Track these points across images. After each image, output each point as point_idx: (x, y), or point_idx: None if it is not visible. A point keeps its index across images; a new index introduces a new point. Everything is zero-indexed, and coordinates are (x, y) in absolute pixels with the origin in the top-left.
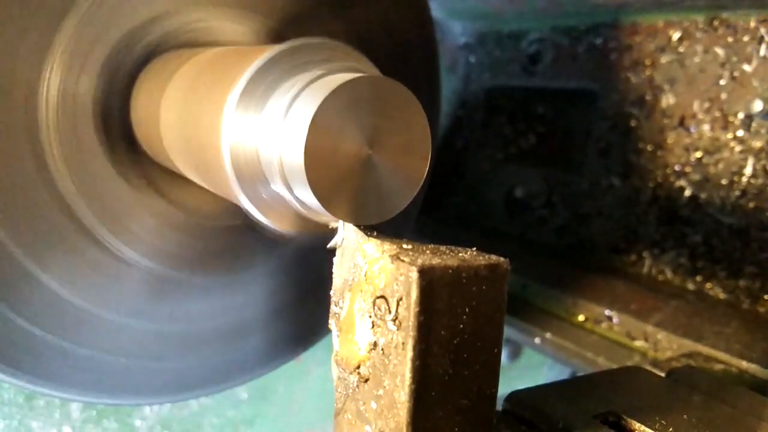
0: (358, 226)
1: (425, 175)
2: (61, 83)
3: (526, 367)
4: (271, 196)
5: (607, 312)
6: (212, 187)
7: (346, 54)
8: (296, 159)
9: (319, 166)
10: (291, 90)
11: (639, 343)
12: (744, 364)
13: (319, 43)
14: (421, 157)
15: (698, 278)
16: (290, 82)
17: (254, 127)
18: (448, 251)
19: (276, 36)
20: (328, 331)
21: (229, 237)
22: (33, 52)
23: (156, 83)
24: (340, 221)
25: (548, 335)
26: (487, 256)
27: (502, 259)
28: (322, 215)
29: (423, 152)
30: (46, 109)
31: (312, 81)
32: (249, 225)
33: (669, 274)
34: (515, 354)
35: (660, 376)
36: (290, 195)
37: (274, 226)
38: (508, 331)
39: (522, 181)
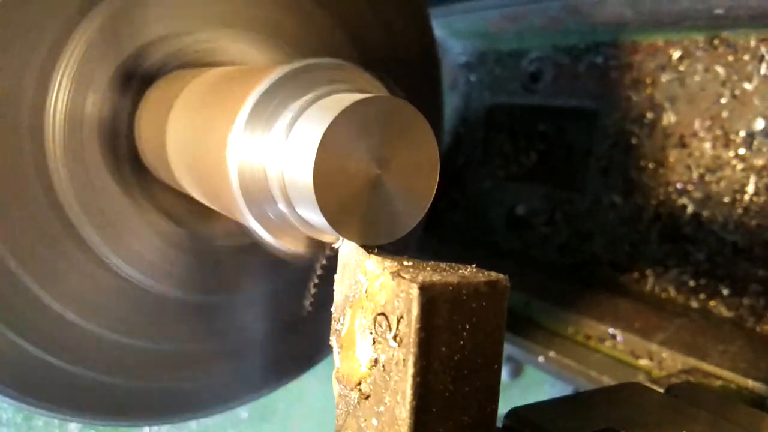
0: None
1: (434, 195)
2: (67, 101)
3: (528, 385)
4: (278, 217)
5: (611, 330)
6: (218, 207)
7: (354, 74)
8: (305, 179)
9: (328, 186)
10: (299, 109)
11: (643, 362)
12: (750, 383)
13: (328, 63)
14: (429, 176)
15: (702, 296)
16: (299, 101)
17: (262, 147)
18: (448, 268)
19: (284, 57)
20: (330, 350)
21: (233, 257)
22: (40, 69)
23: (162, 102)
24: (341, 238)
25: (552, 353)
26: (487, 273)
27: (501, 275)
28: (328, 235)
29: (431, 172)
30: (52, 126)
31: (320, 100)
32: (254, 245)
33: (672, 292)
34: (516, 372)
35: (659, 393)
36: (297, 215)
37: (282, 246)
38: (509, 349)
39: (523, 198)
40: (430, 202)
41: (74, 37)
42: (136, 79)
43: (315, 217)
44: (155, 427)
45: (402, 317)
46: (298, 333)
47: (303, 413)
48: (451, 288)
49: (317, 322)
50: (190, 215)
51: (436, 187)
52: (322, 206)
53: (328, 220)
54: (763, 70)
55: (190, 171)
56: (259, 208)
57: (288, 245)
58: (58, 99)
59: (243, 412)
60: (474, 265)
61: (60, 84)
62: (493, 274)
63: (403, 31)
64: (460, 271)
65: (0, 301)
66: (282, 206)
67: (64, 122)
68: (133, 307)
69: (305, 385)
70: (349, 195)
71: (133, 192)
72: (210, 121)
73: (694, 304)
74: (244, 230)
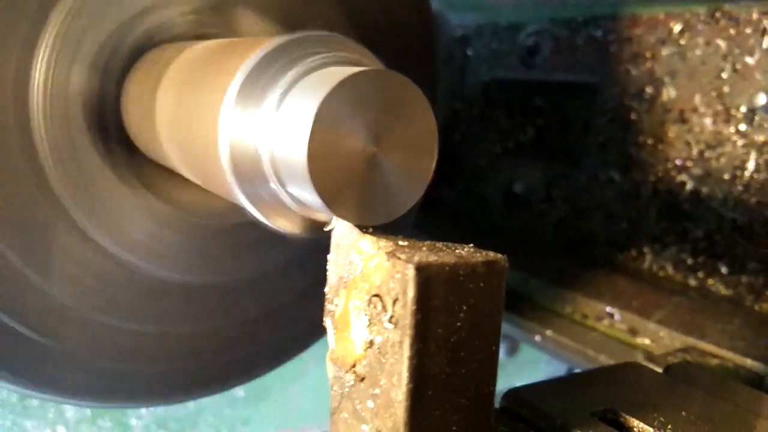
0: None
1: (432, 173)
2: (52, 76)
3: (524, 363)
4: (271, 196)
5: (608, 309)
6: (209, 185)
7: (349, 47)
8: (299, 157)
9: (322, 164)
10: (290, 82)
11: (641, 340)
12: (748, 362)
13: (322, 35)
14: (427, 153)
15: (700, 274)
16: (290, 74)
17: (254, 124)
18: (444, 248)
19: (275, 31)
20: (325, 331)
21: (227, 237)
22: (23, 42)
23: (150, 77)
24: (334, 217)
25: (549, 332)
26: (484, 253)
27: (500, 255)
28: (323, 214)
29: (430, 149)
30: (36, 103)
31: (312, 72)
32: (248, 224)
33: (670, 269)
34: (513, 350)
35: (658, 372)
36: (290, 194)
37: (275, 226)
38: (506, 328)
39: (521, 175)
40: (429, 180)
41: (58, 9)
42: (122, 53)
43: (309, 196)
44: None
45: (398, 298)
46: (292, 314)
47: (300, 392)
48: (447, 268)
49: (311, 303)
50: (180, 194)
51: (434, 165)
52: (316, 185)
53: (323, 200)
54: (765, 44)
55: (179, 149)
56: (252, 187)
57: (282, 225)
58: (43, 74)
59: (239, 391)
60: (471, 245)
61: (44, 58)
62: (491, 254)
63: (399, 4)
64: (457, 251)
65: None
66: (274, 185)
67: (49, 98)
68: (124, 288)
69: (302, 364)
70: (344, 173)
71: (121, 170)
72: (199, 97)
73: (693, 282)
74: (237, 209)
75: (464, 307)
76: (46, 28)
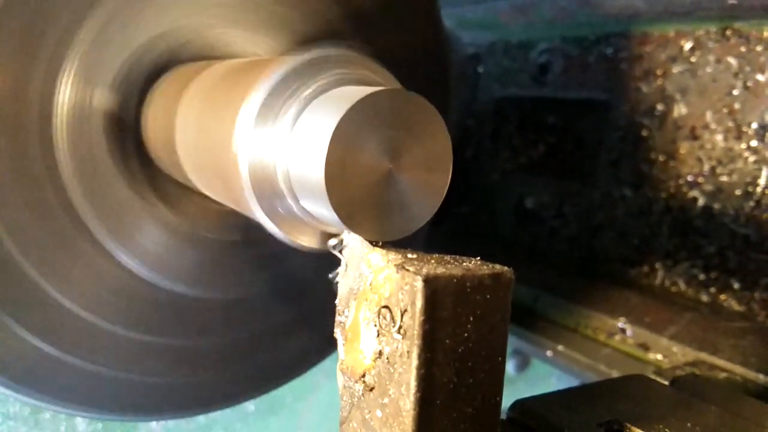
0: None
1: (446, 189)
2: (74, 95)
3: (534, 379)
4: (288, 211)
5: (620, 324)
6: (227, 201)
7: (366, 66)
8: (316, 174)
9: (339, 182)
10: (305, 100)
11: (653, 356)
12: (761, 378)
13: (339, 54)
14: (442, 170)
15: (712, 290)
16: (308, 92)
17: (272, 141)
18: (452, 261)
19: (292, 49)
20: (335, 344)
21: (243, 251)
22: (48, 63)
23: (170, 96)
24: (345, 230)
25: (560, 348)
26: (491, 266)
27: (506, 268)
28: (335, 228)
29: (444, 165)
30: (60, 120)
31: (329, 91)
32: (262, 239)
33: (683, 285)
34: (523, 365)
35: (664, 385)
36: (307, 210)
37: (292, 240)
38: (517, 343)
39: (532, 191)
40: (443, 196)
41: (82, 29)
42: (143, 73)
43: (326, 213)
44: (162, 421)
45: (406, 310)
46: (304, 327)
47: (310, 406)
48: (455, 280)
49: (322, 318)
50: (197, 209)
51: (449, 182)
52: (333, 202)
53: (339, 217)
54: None
55: (198, 165)
56: (270, 203)
57: (299, 240)
58: (66, 92)
59: (250, 405)
60: (478, 258)
61: (68, 77)
62: (498, 267)
63: (413, 22)
64: (465, 263)
65: (6, 293)
66: (291, 201)
67: (72, 116)
68: (140, 301)
69: (313, 379)
70: (360, 190)
71: (140, 186)
72: (219, 115)
73: (705, 297)
74: (253, 224)
75: (471, 318)
76: (71, 49)
